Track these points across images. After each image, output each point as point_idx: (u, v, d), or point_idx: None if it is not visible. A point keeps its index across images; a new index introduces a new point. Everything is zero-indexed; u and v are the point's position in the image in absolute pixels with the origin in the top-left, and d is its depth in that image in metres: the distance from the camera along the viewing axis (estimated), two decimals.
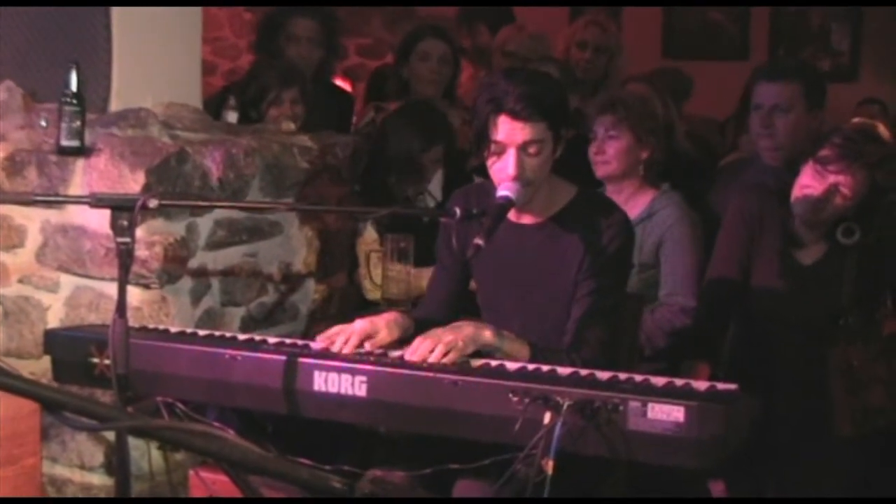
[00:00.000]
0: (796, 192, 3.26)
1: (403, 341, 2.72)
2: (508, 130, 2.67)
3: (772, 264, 3.33)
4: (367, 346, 2.68)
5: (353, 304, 3.98)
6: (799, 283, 3.30)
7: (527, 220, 2.85)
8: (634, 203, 3.69)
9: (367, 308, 3.93)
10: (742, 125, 4.61)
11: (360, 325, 2.71)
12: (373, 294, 3.91)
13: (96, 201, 2.45)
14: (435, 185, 3.99)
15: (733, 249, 3.38)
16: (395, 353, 2.60)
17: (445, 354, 2.51)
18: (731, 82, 5.14)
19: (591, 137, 3.79)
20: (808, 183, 3.23)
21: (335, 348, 2.64)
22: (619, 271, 2.85)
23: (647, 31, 7.55)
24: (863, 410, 3.22)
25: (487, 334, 2.62)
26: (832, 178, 3.18)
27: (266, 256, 3.71)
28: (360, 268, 3.96)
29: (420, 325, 2.79)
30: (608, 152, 3.74)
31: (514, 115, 2.65)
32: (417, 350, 2.54)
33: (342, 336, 2.67)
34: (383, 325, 2.73)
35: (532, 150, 2.68)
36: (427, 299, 3.09)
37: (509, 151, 2.68)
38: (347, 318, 3.85)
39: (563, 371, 2.46)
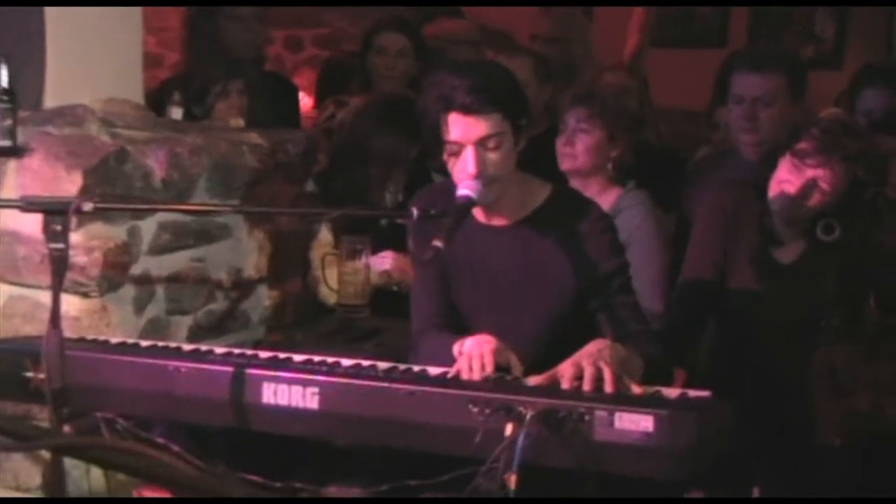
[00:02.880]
0: (773, 187, 3.28)
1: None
2: (462, 127, 2.68)
3: (749, 264, 3.35)
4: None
5: (308, 311, 3.99)
6: (778, 283, 3.33)
7: (498, 221, 2.87)
8: (599, 202, 3.70)
9: (324, 314, 3.95)
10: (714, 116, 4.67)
11: (486, 345, 2.61)
12: (329, 299, 3.92)
13: (27, 205, 2.45)
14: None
15: (708, 248, 3.40)
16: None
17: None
18: (709, 71, 5.17)
19: (561, 129, 3.82)
20: (786, 177, 3.25)
21: (468, 376, 2.54)
22: (622, 263, 2.89)
23: (620, 17, 7.59)
24: (848, 416, 3.25)
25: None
26: (810, 173, 3.20)
27: (214, 261, 3.71)
28: (315, 271, 3.97)
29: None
30: (577, 146, 3.77)
31: (466, 111, 2.66)
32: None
33: (474, 361, 2.56)
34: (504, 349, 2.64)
35: (491, 144, 2.69)
36: (431, 314, 2.99)
37: (466, 150, 2.69)
38: (303, 326, 3.92)
39: (528, 381, 2.48)
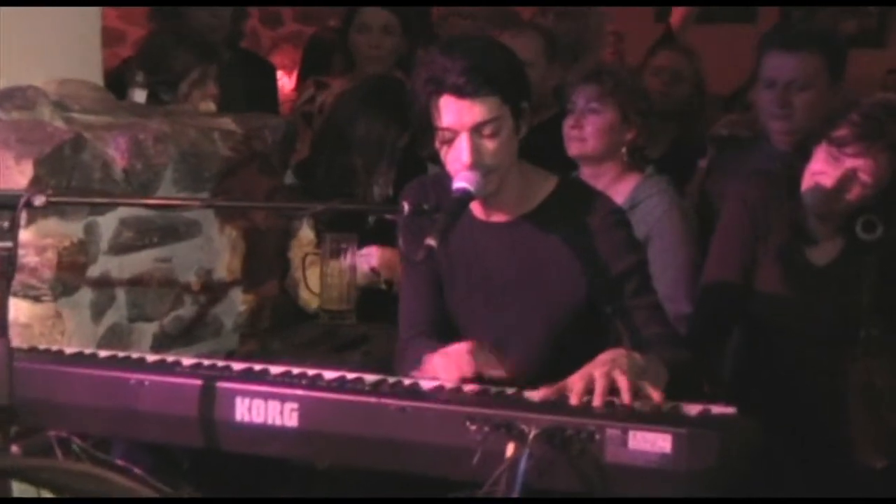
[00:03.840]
0: (807, 179, 3.29)
1: None
2: (455, 112, 2.69)
3: (779, 265, 3.37)
4: None
5: (287, 317, 4.00)
6: (811, 287, 3.34)
7: (498, 217, 2.88)
8: (615, 190, 3.73)
9: (305, 320, 3.96)
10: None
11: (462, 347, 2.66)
12: (310, 303, 3.93)
13: None
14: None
15: (734, 247, 3.41)
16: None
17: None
18: (736, 50, 5.19)
19: (569, 108, 3.84)
20: (822, 169, 3.25)
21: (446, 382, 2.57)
22: (638, 261, 2.89)
23: None
24: (889, 436, 3.26)
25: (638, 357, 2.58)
26: (849, 163, 3.21)
27: (182, 262, 3.72)
28: (294, 273, 3.98)
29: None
30: (586, 128, 3.80)
31: (459, 93, 2.67)
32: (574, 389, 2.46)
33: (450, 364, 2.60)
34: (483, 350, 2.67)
35: (487, 131, 2.70)
36: (422, 319, 3.02)
37: (461, 137, 2.70)
38: (281, 334, 3.93)
39: (531, 395, 2.49)
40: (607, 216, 2.86)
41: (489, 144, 2.71)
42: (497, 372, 2.65)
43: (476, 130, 2.69)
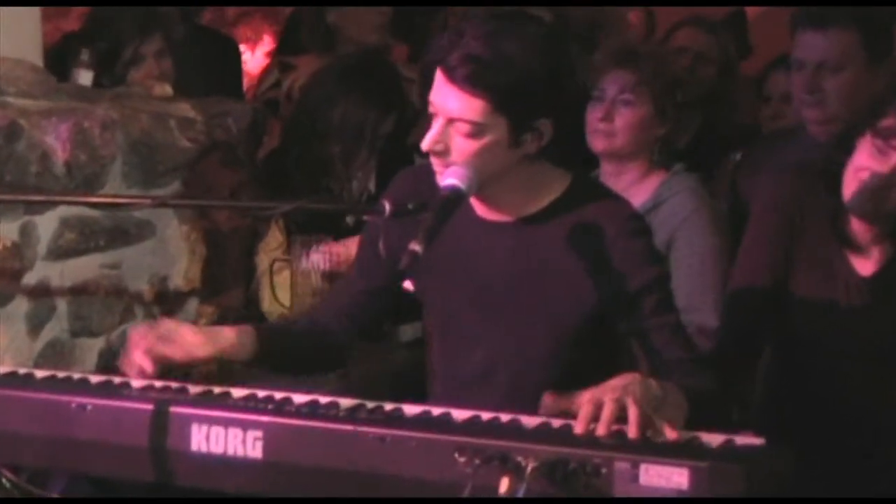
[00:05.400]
0: (850, 176, 3.28)
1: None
2: (440, 92, 2.71)
3: (818, 273, 3.36)
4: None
5: None
6: (854, 299, 3.34)
7: (499, 216, 2.88)
8: (638, 190, 3.77)
9: None
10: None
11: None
12: (278, 315, 3.94)
13: None
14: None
15: (766, 252, 3.41)
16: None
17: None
18: (763, 27, 5.22)
19: (596, 96, 3.83)
20: (866, 164, 3.25)
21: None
22: (659, 275, 2.91)
23: None
24: None
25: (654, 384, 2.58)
26: None
27: (133, 268, 3.73)
28: (261, 280, 3.99)
29: (281, 338, 2.93)
30: (617, 122, 3.81)
31: (449, 77, 2.69)
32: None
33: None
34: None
35: (463, 130, 2.70)
36: (322, 304, 3.13)
37: (437, 120, 2.73)
38: None
39: (528, 422, 2.50)
40: (625, 222, 2.85)
41: (461, 143, 2.71)
42: (173, 350, 2.76)
43: (452, 122, 2.72)
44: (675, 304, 2.95)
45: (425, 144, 2.73)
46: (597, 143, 3.84)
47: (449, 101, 2.70)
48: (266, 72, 4.88)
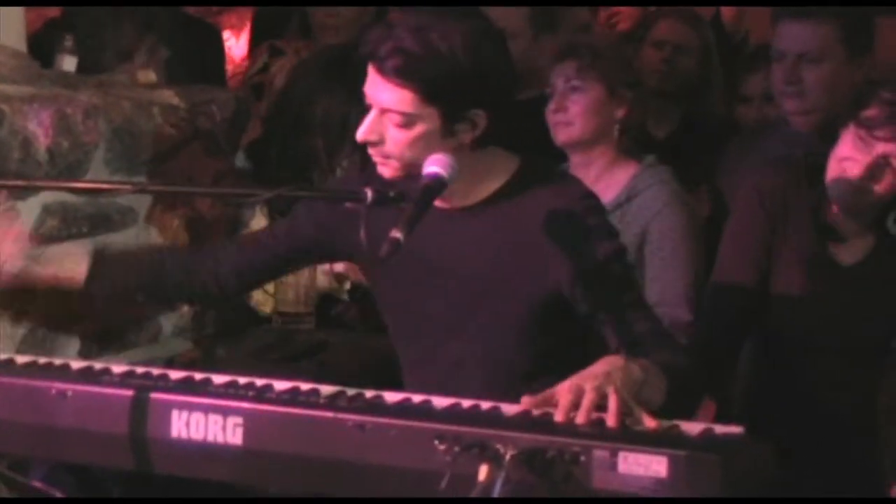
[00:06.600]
0: (832, 167, 3.30)
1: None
2: (372, 84, 2.76)
3: (799, 265, 3.37)
4: None
5: (236, 320, 4.01)
6: (836, 290, 3.35)
7: (451, 203, 2.88)
8: (609, 181, 3.78)
9: (256, 324, 3.98)
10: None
11: None
12: (263, 305, 3.95)
13: None
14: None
15: (748, 244, 3.42)
16: None
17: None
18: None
19: (549, 94, 3.87)
20: (849, 154, 3.26)
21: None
22: (615, 250, 2.89)
23: None
24: None
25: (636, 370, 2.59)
26: (880, 148, 3.21)
27: None
28: None
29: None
30: (570, 110, 3.83)
31: (380, 69, 2.73)
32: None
33: None
34: None
35: (395, 120, 2.74)
36: (209, 249, 3.21)
37: (371, 112, 2.78)
38: (228, 339, 3.94)
39: (508, 410, 2.50)
40: (578, 201, 2.86)
41: (394, 133, 2.76)
42: None
43: (384, 113, 2.75)
44: (636, 278, 2.99)
45: (359, 135, 2.78)
46: (558, 136, 3.86)
47: (380, 92, 2.73)
48: (256, 55, 4.86)
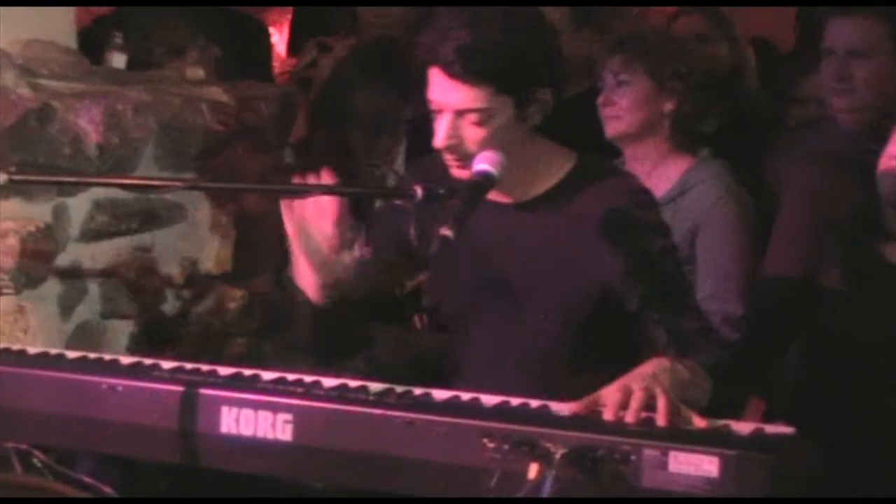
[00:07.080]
0: (883, 164, 3.27)
1: None
2: (441, 89, 2.75)
3: (850, 264, 3.36)
4: None
5: (282, 315, 4.01)
6: (887, 291, 3.34)
7: (504, 197, 2.89)
8: (661, 175, 3.78)
9: (302, 318, 3.98)
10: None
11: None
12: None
13: None
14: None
15: (795, 242, 3.41)
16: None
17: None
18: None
19: (599, 88, 3.89)
20: None
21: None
22: (665, 247, 2.92)
23: None
24: None
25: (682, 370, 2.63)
26: None
27: (164, 251, 3.74)
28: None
29: None
30: (619, 103, 3.84)
31: (448, 71, 2.72)
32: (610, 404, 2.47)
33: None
34: None
35: (472, 119, 2.75)
36: None
37: (443, 116, 2.76)
38: (275, 335, 3.95)
39: (557, 408, 2.50)
40: (632, 197, 2.88)
41: (473, 132, 2.76)
42: None
43: (460, 115, 2.74)
44: (684, 276, 3.00)
45: (438, 142, 2.77)
46: (608, 130, 3.88)
47: (452, 95, 2.73)
48: (305, 50, 4.86)
